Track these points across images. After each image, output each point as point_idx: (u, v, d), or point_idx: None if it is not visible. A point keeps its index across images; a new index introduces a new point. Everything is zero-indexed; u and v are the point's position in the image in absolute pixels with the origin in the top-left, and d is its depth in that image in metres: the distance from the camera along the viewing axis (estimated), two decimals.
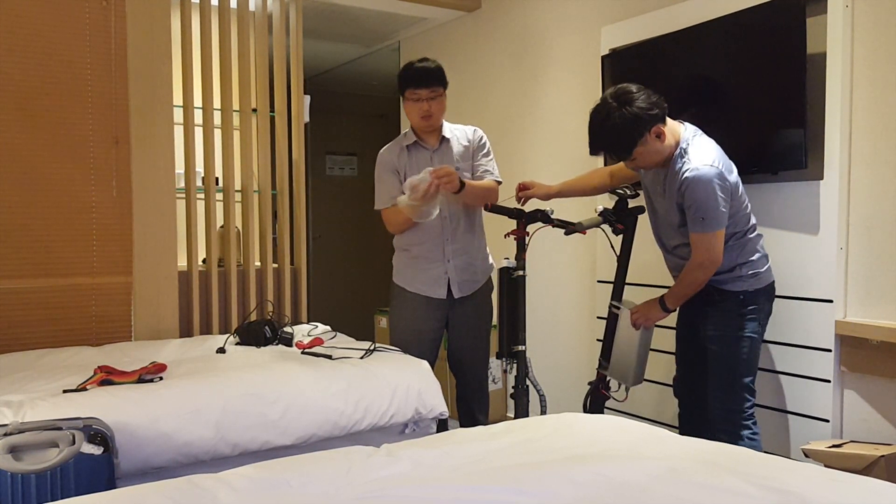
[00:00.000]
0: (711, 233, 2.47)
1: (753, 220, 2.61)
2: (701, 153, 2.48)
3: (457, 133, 3.10)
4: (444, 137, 3.06)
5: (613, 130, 2.50)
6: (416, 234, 3.06)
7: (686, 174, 2.45)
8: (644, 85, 2.57)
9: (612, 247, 3.02)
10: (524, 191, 3.03)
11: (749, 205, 2.59)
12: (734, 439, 2.51)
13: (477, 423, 3.13)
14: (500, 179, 3.10)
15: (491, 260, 3.21)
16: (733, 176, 2.51)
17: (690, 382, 2.79)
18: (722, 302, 2.58)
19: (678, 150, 2.53)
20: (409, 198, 2.78)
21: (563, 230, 2.97)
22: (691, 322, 2.73)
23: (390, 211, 3.04)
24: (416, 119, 3.00)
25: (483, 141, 3.12)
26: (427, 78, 2.95)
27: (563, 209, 3.58)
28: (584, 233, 2.96)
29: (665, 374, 3.25)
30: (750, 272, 2.56)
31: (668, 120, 2.57)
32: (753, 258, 2.57)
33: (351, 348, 2.95)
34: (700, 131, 2.59)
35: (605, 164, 3.42)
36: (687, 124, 2.61)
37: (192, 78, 3.65)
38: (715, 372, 2.61)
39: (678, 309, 2.77)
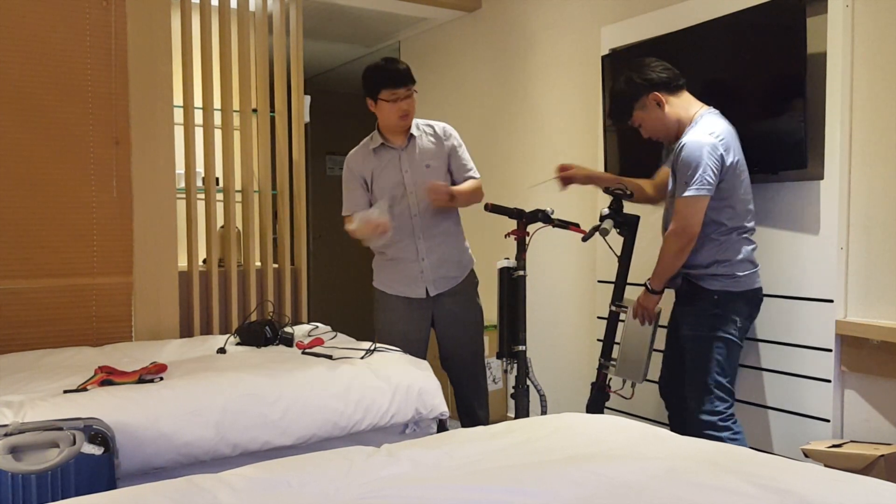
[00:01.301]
0: (693, 197, 2.49)
1: (748, 224, 2.59)
2: (707, 125, 2.55)
3: (424, 129, 3.09)
4: (411, 135, 3.04)
5: (617, 93, 2.75)
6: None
7: (684, 139, 2.55)
8: None
9: (611, 248, 3.02)
10: (565, 171, 3.01)
11: (749, 208, 2.59)
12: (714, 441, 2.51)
13: (478, 419, 3.13)
14: (478, 175, 3.13)
15: (470, 253, 3.20)
16: (732, 156, 2.52)
17: (674, 385, 2.81)
18: (698, 301, 2.60)
19: (692, 124, 2.60)
20: (359, 231, 2.88)
21: (564, 229, 2.96)
22: (675, 323, 2.76)
23: (347, 219, 3.09)
24: (394, 119, 2.98)
25: (456, 142, 3.09)
26: (405, 77, 2.94)
27: (563, 209, 3.58)
28: (585, 231, 2.96)
29: None
30: (726, 273, 2.55)
31: (687, 96, 2.66)
32: (733, 259, 2.55)
33: (351, 348, 2.95)
34: (722, 119, 2.61)
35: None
36: (712, 109, 2.64)
37: (193, 78, 3.66)
38: (690, 373, 2.63)
39: (672, 310, 2.78)
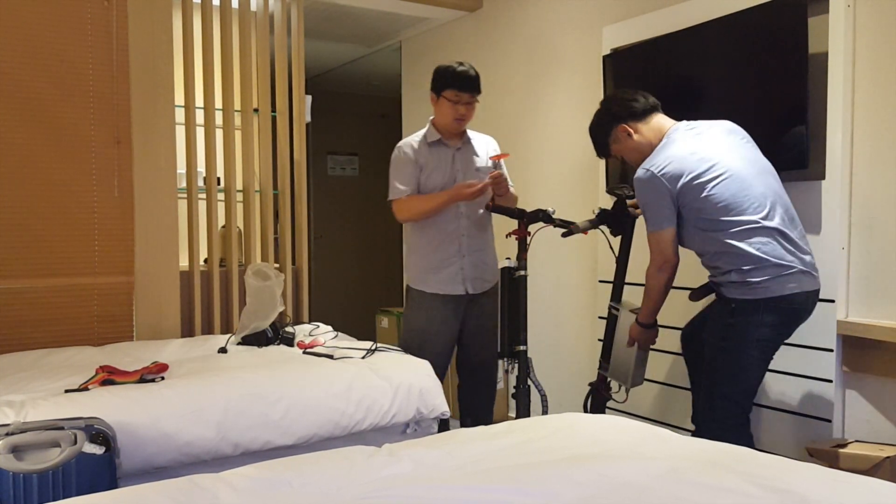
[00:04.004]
0: (658, 232, 2.52)
1: (753, 225, 2.39)
2: (657, 155, 2.52)
3: (475, 136, 3.22)
4: (467, 139, 3.16)
5: (591, 132, 2.78)
6: (431, 228, 3.11)
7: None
8: (645, 85, 2.60)
9: (612, 248, 3.02)
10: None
11: (741, 209, 2.40)
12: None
13: (486, 421, 3.14)
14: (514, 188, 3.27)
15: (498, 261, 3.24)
16: (684, 179, 2.42)
17: (694, 339, 2.78)
18: (719, 307, 2.55)
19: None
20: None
21: (565, 229, 2.97)
22: (701, 322, 2.72)
23: (403, 201, 3.10)
24: (448, 119, 3.07)
25: (498, 153, 3.25)
26: (473, 84, 3.04)
27: (564, 210, 3.58)
28: (586, 233, 2.97)
29: (665, 374, 3.25)
30: (740, 280, 2.40)
31: (658, 119, 2.62)
32: (745, 267, 2.39)
33: (352, 348, 2.95)
34: (689, 132, 2.56)
35: (607, 173, 3.43)
36: (681, 125, 2.59)
37: (194, 78, 3.66)
38: (703, 374, 2.60)
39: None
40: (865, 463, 2.38)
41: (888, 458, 2.37)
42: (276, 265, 3.94)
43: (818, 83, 2.66)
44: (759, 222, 2.38)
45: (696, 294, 2.70)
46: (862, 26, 2.60)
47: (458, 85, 3.02)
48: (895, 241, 2.56)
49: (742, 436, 2.50)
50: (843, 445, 2.51)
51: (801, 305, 2.44)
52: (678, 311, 2.90)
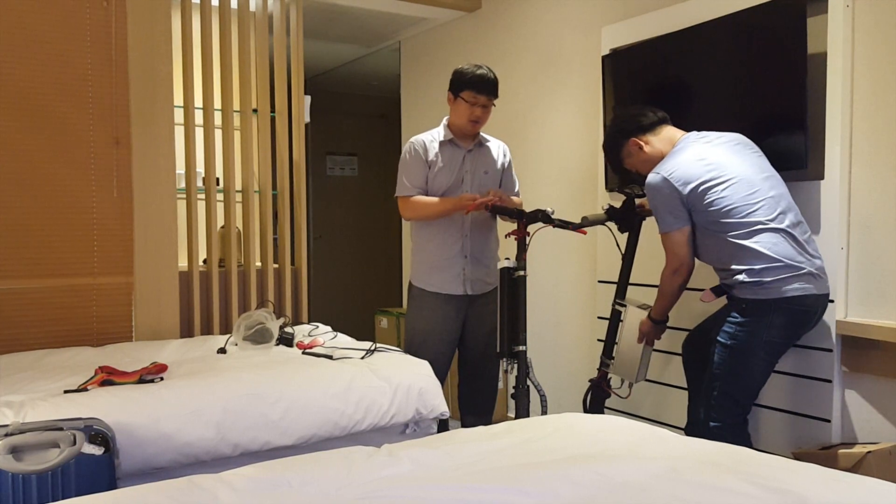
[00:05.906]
0: (668, 233, 2.57)
1: (758, 226, 2.42)
2: (667, 161, 2.58)
3: (488, 140, 3.24)
4: (479, 142, 3.18)
5: (604, 149, 2.89)
6: (436, 227, 3.13)
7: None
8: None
9: (618, 245, 3.03)
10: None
11: (750, 212, 2.43)
12: None
13: (488, 422, 3.15)
14: (520, 195, 3.33)
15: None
16: (694, 183, 2.47)
17: (696, 348, 2.79)
18: (728, 308, 2.55)
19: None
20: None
21: (564, 229, 2.97)
22: (704, 331, 2.72)
23: (410, 200, 3.12)
24: (463, 120, 3.08)
25: (510, 160, 3.30)
26: (491, 87, 3.05)
27: (564, 210, 3.58)
28: (585, 232, 2.98)
29: (665, 374, 3.25)
30: (751, 280, 2.42)
31: (667, 130, 2.68)
32: (757, 267, 2.41)
33: (351, 348, 2.95)
34: (699, 140, 2.59)
35: (607, 173, 3.43)
36: (692, 134, 2.63)
37: (193, 78, 3.66)
38: (707, 374, 2.58)
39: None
40: (849, 461, 2.39)
41: (870, 452, 2.37)
42: (276, 265, 3.95)
43: (817, 83, 2.66)
44: (767, 224, 2.43)
45: (714, 291, 2.63)
46: (861, 26, 2.61)
47: (476, 87, 3.03)
48: (894, 241, 2.56)
49: (740, 435, 2.52)
50: (829, 448, 2.51)
51: (810, 308, 2.47)
52: (679, 310, 2.90)
